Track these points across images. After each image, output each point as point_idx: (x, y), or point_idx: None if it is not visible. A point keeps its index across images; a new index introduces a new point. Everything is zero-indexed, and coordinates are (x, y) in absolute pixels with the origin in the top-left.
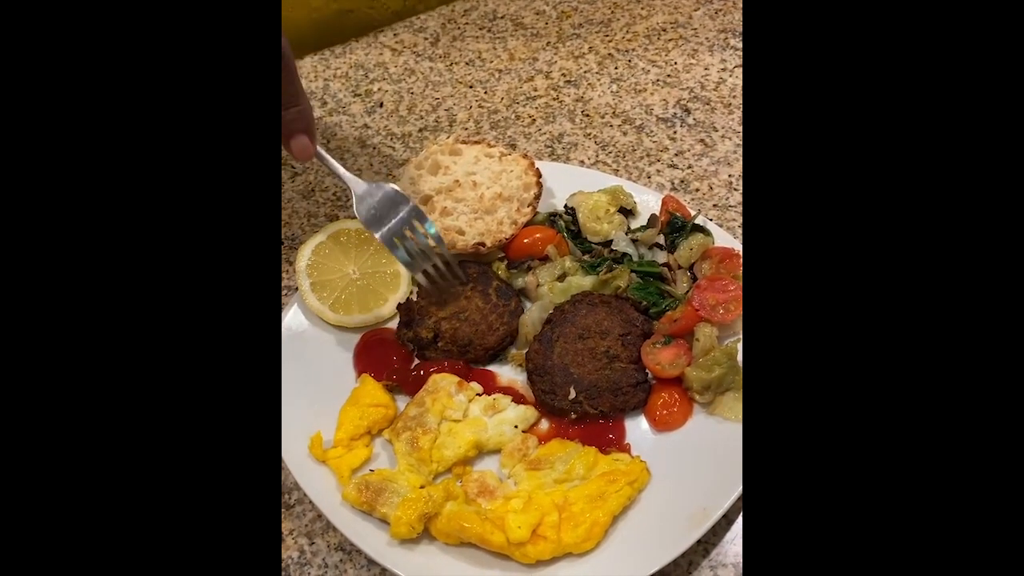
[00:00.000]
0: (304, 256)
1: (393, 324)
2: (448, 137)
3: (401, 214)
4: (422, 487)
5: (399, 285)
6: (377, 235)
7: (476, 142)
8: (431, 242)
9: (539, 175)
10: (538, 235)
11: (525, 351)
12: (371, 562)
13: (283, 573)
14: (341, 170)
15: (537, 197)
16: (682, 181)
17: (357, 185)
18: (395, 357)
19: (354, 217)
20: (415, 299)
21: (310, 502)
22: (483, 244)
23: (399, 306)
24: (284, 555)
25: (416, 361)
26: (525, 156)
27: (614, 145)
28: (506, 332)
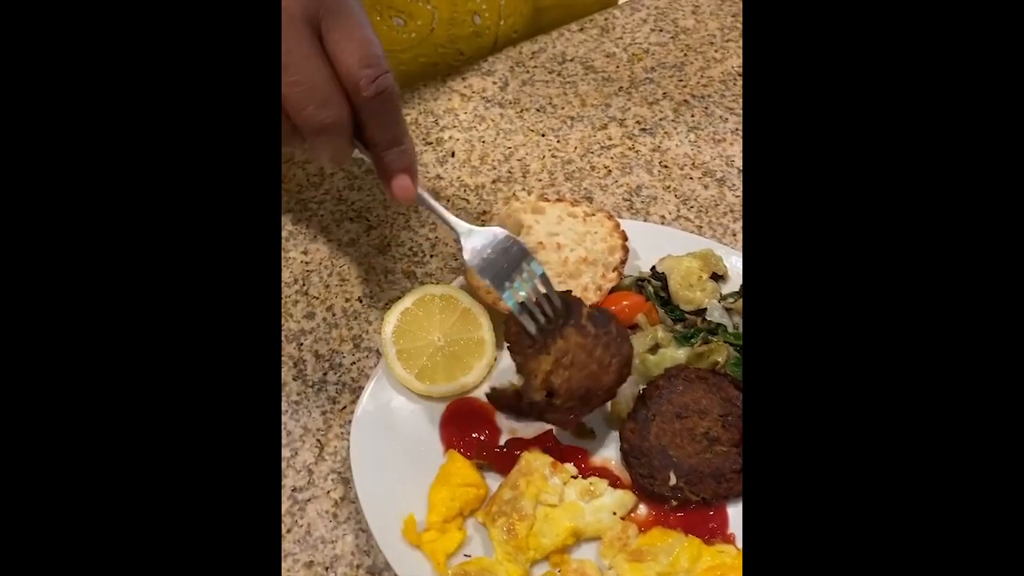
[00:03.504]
0: (390, 323)
1: (477, 393)
2: (530, 194)
3: (512, 259)
4: None
5: (484, 352)
6: (490, 283)
7: (559, 200)
8: (540, 286)
9: (625, 238)
10: (626, 303)
11: (618, 429)
12: None
13: None
14: (445, 213)
15: (623, 261)
16: None
17: (462, 228)
18: (485, 430)
19: (441, 282)
20: (499, 386)
21: None
22: None
23: (489, 398)
24: None
25: (505, 436)
26: (610, 217)
27: (695, 199)
28: (621, 363)
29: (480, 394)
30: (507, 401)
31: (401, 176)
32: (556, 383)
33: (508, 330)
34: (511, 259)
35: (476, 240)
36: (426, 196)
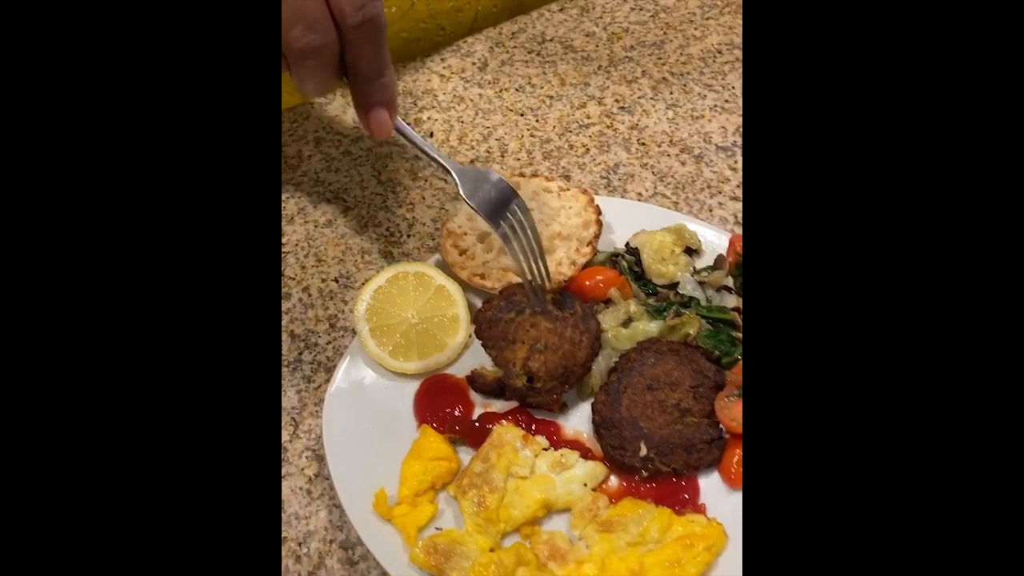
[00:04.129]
0: (363, 300)
1: (452, 370)
2: (505, 171)
3: (511, 204)
4: (492, 550)
5: (458, 329)
6: (492, 224)
7: (534, 175)
8: (527, 226)
9: (599, 212)
10: (600, 277)
11: (591, 401)
12: None
13: None
14: (432, 150)
15: (597, 236)
16: None
17: (454, 166)
18: (458, 406)
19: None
20: (479, 372)
21: (374, 559)
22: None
23: (470, 381)
24: None
25: (478, 411)
26: (584, 192)
27: (672, 176)
28: (591, 338)
29: (455, 371)
30: (488, 387)
31: (379, 110)
32: (534, 367)
33: (478, 328)
34: (503, 197)
35: (470, 179)
36: (407, 129)
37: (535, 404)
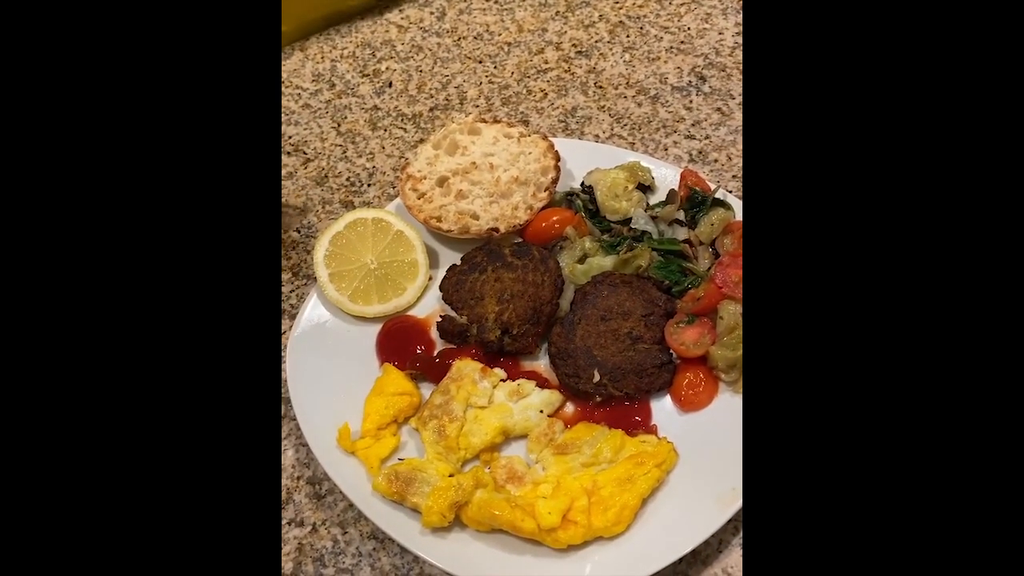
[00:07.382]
0: (322, 247)
1: (414, 312)
2: (467, 116)
3: None
4: (451, 475)
5: (417, 274)
6: None
7: (496, 121)
8: None
9: (558, 158)
10: (555, 218)
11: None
12: (404, 550)
13: (318, 563)
14: None
15: (555, 181)
16: (700, 152)
17: None
18: (420, 345)
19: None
20: (446, 316)
21: (341, 492)
22: (496, 229)
23: (439, 327)
24: (318, 545)
25: (439, 348)
26: (544, 138)
27: (629, 117)
28: (552, 276)
29: (415, 313)
30: (455, 332)
31: None
32: (506, 317)
33: (445, 294)
34: None
35: None
36: None
37: (513, 352)
